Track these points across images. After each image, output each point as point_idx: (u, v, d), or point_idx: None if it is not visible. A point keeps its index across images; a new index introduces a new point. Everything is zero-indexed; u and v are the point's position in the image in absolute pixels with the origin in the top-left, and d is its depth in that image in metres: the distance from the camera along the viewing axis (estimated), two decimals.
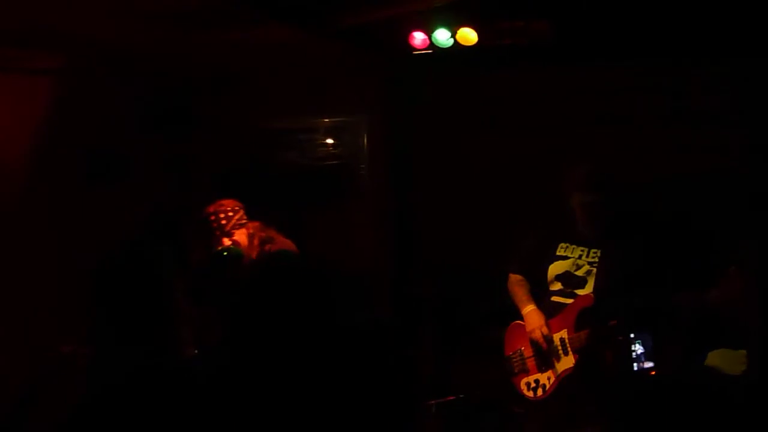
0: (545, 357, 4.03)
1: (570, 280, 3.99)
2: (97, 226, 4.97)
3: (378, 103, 5.91)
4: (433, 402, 4.61)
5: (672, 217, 4.90)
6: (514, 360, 4.17)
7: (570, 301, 3.98)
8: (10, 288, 4.75)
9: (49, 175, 5.10)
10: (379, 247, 5.87)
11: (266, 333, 1.91)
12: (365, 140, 5.98)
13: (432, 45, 5.11)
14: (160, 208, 5.72)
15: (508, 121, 5.62)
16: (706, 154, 5.15)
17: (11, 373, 4.53)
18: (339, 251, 5.39)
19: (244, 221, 4.29)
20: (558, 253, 4.06)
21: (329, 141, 6.06)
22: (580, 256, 4.01)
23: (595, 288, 3.92)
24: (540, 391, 4.04)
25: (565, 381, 3.96)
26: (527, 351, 4.11)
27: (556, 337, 4.00)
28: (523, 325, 4.12)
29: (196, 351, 2.42)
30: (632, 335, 3.76)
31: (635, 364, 3.73)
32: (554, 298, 4.04)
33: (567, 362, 3.96)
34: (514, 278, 4.26)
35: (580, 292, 3.96)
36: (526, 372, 4.11)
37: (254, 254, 4.22)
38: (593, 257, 3.98)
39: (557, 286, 4.04)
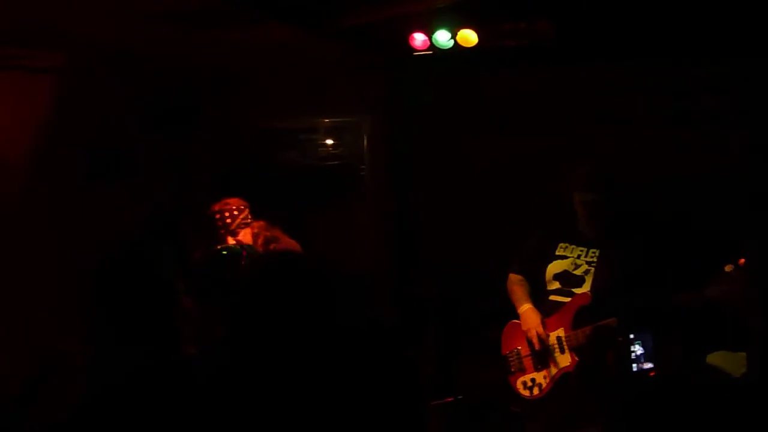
0: (542, 356, 4.04)
1: (568, 279, 4.00)
2: (97, 226, 4.97)
3: (378, 103, 5.91)
4: (434, 403, 4.61)
5: (672, 217, 4.90)
6: (511, 359, 4.18)
7: (567, 299, 3.99)
8: (10, 288, 4.75)
9: (49, 175, 5.10)
10: (379, 247, 5.87)
11: (267, 333, 1.91)
12: (366, 140, 5.98)
13: (432, 46, 5.11)
14: (160, 208, 5.72)
15: (508, 122, 5.62)
16: (706, 154, 5.14)
17: (11, 373, 4.53)
18: (340, 251, 5.40)
19: (249, 220, 4.31)
20: (557, 253, 4.06)
21: (330, 141, 6.06)
22: (579, 256, 4.02)
23: (592, 287, 3.93)
24: (536, 390, 4.05)
25: (561, 380, 3.97)
26: (524, 350, 4.12)
27: (553, 335, 4.01)
28: (520, 324, 4.13)
29: (196, 350, 2.41)
30: (632, 336, 3.76)
31: (635, 365, 3.73)
32: (552, 297, 4.05)
33: (564, 360, 3.97)
34: (514, 278, 4.27)
35: (577, 290, 3.97)
36: (523, 371, 4.12)
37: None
38: (592, 257, 3.98)
39: (555, 285, 4.04)
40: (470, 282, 5.23)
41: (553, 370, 3.99)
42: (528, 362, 4.10)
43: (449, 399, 4.66)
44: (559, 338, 3.99)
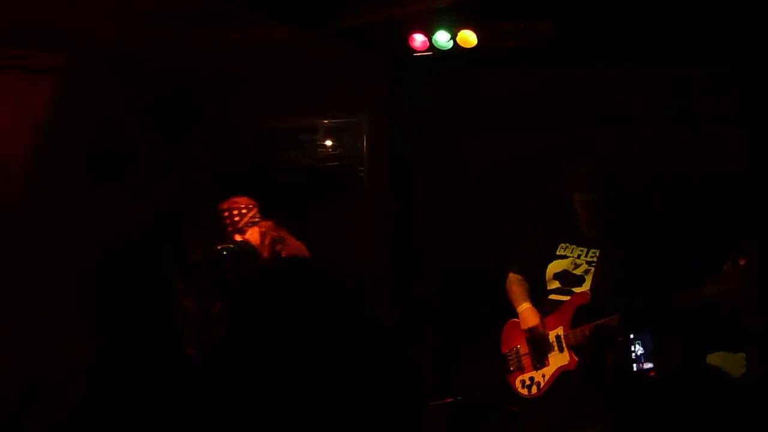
0: (540, 354, 4.05)
1: (568, 279, 4.01)
2: (97, 226, 4.97)
3: (378, 103, 5.91)
4: (433, 404, 4.61)
5: (672, 218, 4.90)
6: (510, 358, 4.19)
7: (567, 298, 3.99)
8: (10, 288, 4.75)
9: (49, 175, 5.10)
10: (379, 248, 5.87)
11: (268, 334, 1.91)
12: (365, 141, 5.97)
13: (432, 47, 5.11)
14: (160, 208, 5.72)
15: (508, 122, 5.61)
16: (706, 154, 5.14)
17: (11, 373, 4.53)
18: (339, 251, 5.39)
19: (257, 219, 4.34)
20: (558, 253, 4.08)
21: (329, 142, 6.06)
22: (579, 256, 4.03)
23: (592, 286, 3.94)
24: (534, 389, 4.05)
25: (560, 379, 3.97)
26: (523, 349, 4.13)
27: (552, 334, 4.02)
28: (519, 323, 4.14)
29: (196, 350, 2.42)
30: (632, 336, 3.76)
31: (635, 365, 3.74)
32: (552, 296, 4.06)
33: (562, 359, 3.97)
34: (513, 277, 4.28)
35: (577, 289, 3.98)
36: (522, 370, 4.13)
37: (265, 253, 4.26)
38: (592, 257, 3.99)
39: (555, 285, 4.06)
40: (470, 282, 5.23)
41: (552, 369, 4.00)
42: (527, 361, 4.11)
43: (448, 399, 4.66)
44: (557, 337, 3.99)
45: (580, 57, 5.24)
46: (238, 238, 4.26)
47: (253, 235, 4.30)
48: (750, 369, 3.59)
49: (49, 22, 4.44)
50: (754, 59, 4.95)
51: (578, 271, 4.00)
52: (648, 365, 3.78)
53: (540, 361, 4.06)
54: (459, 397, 4.66)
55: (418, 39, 5.09)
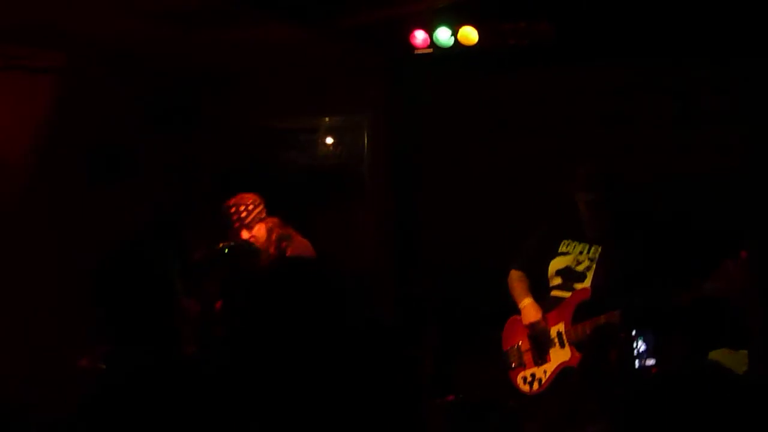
0: (542, 350, 4.06)
1: (570, 275, 4.02)
2: (98, 226, 4.98)
3: (379, 103, 5.90)
4: (434, 401, 4.61)
5: (672, 218, 4.90)
6: (512, 354, 4.20)
7: (568, 294, 4.00)
8: (10, 288, 4.75)
9: (49, 175, 5.10)
10: (380, 247, 5.86)
11: (269, 333, 1.91)
12: (366, 140, 5.97)
13: (433, 44, 5.10)
14: (160, 209, 5.72)
15: (509, 122, 5.61)
16: (706, 154, 5.14)
17: (11, 373, 4.53)
18: (340, 251, 5.39)
19: (263, 216, 4.37)
20: (560, 250, 4.09)
21: (330, 140, 6.06)
22: (581, 252, 4.04)
23: (593, 282, 3.94)
24: (536, 385, 4.06)
25: (561, 375, 3.98)
26: (524, 345, 4.14)
27: (554, 330, 4.02)
28: (521, 320, 4.15)
29: (195, 350, 2.42)
30: (634, 332, 3.76)
31: (637, 362, 3.73)
32: (554, 293, 4.07)
33: (563, 355, 3.98)
34: (515, 274, 4.29)
35: (578, 286, 3.98)
36: (523, 366, 4.14)
37: (272, 249, 4.31)
38: (594, 253, 4.00)
39: (557, 281, 4.07)
40: (470, 282, 5.22)
41: (553, 365, 4.01)
42: (528, 357, 4.12)
43: (450, 397, 4.66)
44: (559, 333, 4.00)
45: (580, 57, 5.23)
46: (245, 233, 4.31)
47: (260, 230, 4.36)
48: (752, 366, 3.59)
49: (49, 21, 4.45)
50: (754, 59, 4.95)
51: (580, 268, 4.01)
52: (650, 362, 3.78)
53: (541, 357, 4.07)
54: (461, 395, 4.66)
55: (419, 36, 5.08)
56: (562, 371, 3.98)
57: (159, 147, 5.80)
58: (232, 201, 4.36)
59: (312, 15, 4.70)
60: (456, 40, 5.01)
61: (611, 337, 3.79)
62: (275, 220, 4.42)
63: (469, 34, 4.96)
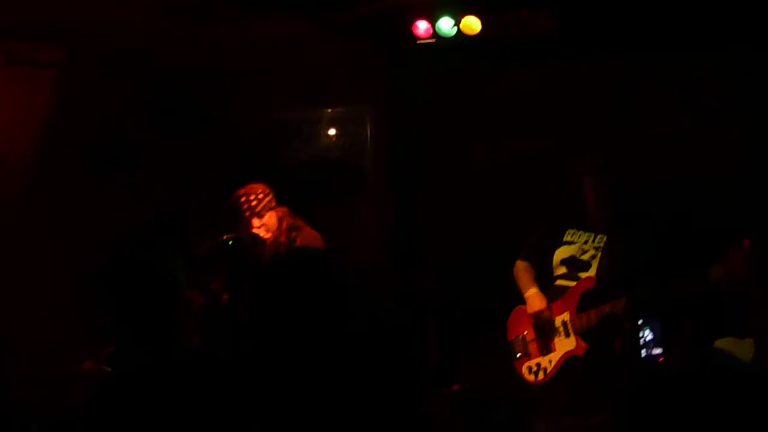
0: (547, 339, 4.05)
1: (574, 264, 4.02)
2: (98, 226, 4.97)
3: (382, 94, 5.88)
4: (439, 392, 4.60)
5: (673, 216, 4.89)
6: (517, 344, 4.19)
7: (573, 283, 3.99)
8: (11, 288, 4.74)
9: (49, 175, 5.09)
10: (381, 242, 5.85)
11: (274, 326, 1.90)
12: (368, 131, 5.95)
13: (435, 34, 5.09)
14: (161, 207, 5.72)
15: (511, 117, 5.60)
16: (708, 151, 5.13)
17: (11, 373, 4.52)
18: (341, 245, 5.37)
19: (273, 204, 4.42)
20: (566, 239, 4.09)
21: (332, 132, 6.05)
22: (586, 242, 4.04)
23: (597, 271, 3.93)
24: (541, 375, 4.05)
25: (566, 364, 3.97)
26: (529, 335, 4.13)
27: (558, 319, 4.02)
28: (526, 309, 4.14)
29: (198, 343, 2.40)
30: (640, 321, 3.75)
31: (644, 351, 3.71)
32: (559, 282, 4.07)
33: (568, 344, 3.97)
34: (521, 264, 4.29)
35: (583, 275, 3.98)
36: (528, 356, 4.13)
37: (283, 237, 4.35)
38: (599, 242, 4.00)
39: (562, 270, 4.06)
40: (472, 278, 5.21)
41: (558, 354, 4.01)
42: (533, 347, 4.11)
43: (455, 387, 4.64)
44: (564, 322, 4.00)
45: (581, 52, 5.22)
46: (256, 221, 4.35)
47: (270, 218, 4.42)
48: (756, 356, 3.57)
49: (50, 18, 4.44)
50: (756, 54, 4.94)
51: (585, 257, 4.00)
52: (657, 351, 3.76)
53: (546, 347, 4.06)
54: (466, 385, 4.64)
55: (422, 26, 5.08)
56: (567, 360, 3.97)
57: (161, 144, 5.80)
58: (242, 191, 4.41)
59: (314, 7, 4.69)
60: (459, 29, 5.00)
61: (615, 327, 3.77)
62: (285, 209, 4.49)
63: (472, 24, 4.96)
